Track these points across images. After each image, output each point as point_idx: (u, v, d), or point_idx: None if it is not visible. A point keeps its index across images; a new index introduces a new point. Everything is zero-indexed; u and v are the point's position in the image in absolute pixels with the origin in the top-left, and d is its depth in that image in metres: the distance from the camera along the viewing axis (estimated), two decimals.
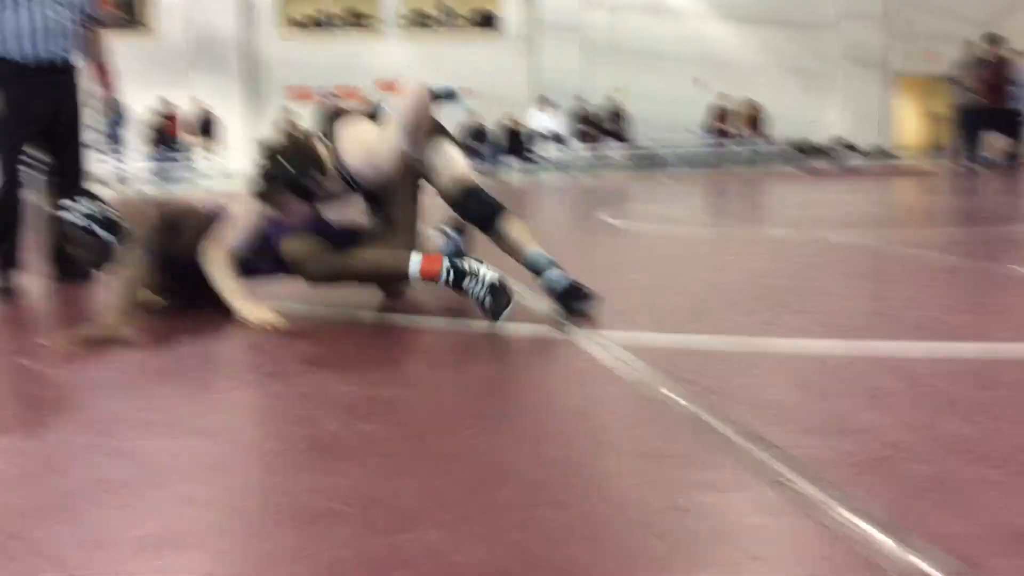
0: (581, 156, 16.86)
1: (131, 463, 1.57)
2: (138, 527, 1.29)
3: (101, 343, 2.46)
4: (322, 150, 2.92)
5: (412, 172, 3.00)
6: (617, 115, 17.12)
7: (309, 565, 1.16)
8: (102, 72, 3.99)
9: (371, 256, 2.81)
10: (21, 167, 3.65)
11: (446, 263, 2.66)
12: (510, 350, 2.47)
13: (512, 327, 2.66)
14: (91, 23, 3.85)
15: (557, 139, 16.70)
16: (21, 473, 1.53)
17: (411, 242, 2.95)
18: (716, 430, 1.67)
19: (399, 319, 2.83)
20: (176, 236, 2.90)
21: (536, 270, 2.85)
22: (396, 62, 18.51)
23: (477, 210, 2.98)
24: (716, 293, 3.25)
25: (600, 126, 17.08)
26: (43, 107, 3.65)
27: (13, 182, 3.65)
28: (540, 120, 16.53)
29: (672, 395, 1.90)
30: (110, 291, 2.73)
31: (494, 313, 2.60)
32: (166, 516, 1.33)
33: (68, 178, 3.76)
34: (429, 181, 3.05)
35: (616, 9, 18.90)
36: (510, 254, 2.95)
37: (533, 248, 2.90)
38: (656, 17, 19.20)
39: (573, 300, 2.74)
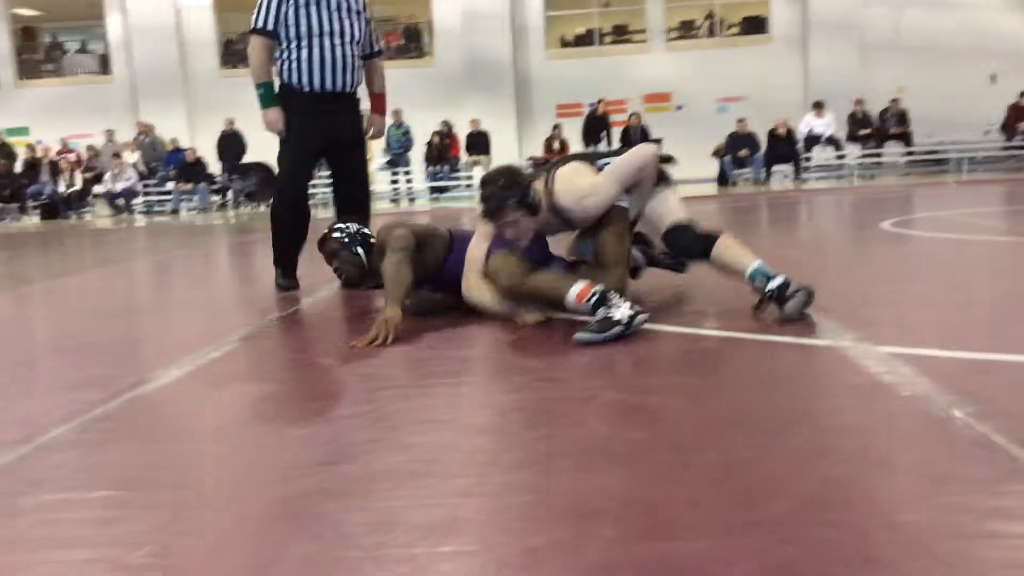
0: (859, 161, 15.91)
1: (414, 456, 1.69)
2: (422, 515, 1.40)
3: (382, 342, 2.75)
4: (538, 185, 3.13)
5: (622, 218, 3.22)
6: (899, 116, 15.98)
7: (579, 563, 1.20)
8: (381, 100, 4.46)
9: (544, 281, 2.97)
10: (308, 184, 4.24)
11: (598, 288, 2.78)
12: (784, 363, 2.39)
13: (785, 339, 2.58)
14: (373, 56, 4.34)
15: (832, 143, 15.87)
16: (320, 461, 1.70)
17: (620, 283, 3.11)
18: (1010, 454, 1.53)
19: (663, 327, 2.83)
20: (424, 253, 3.21)
21: (755, 284, 2.94)
22: (663, 74, 18.49)
23: (688, 245, 3.13)
24: (1013, 307, 2.96)
25: (880, 128, 16.02)
26: (328, 131, 4.12)
27: (302, 196, 4.25)
28: (814, 124, 15.80)
29: (961, 415, 1.76)
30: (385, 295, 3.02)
31: (600, 330, 2.66)
32: (447, 506, 1.43)
33: (354, 196, 4.28)
34: (643, 223, 3.30)
35: (896, 5, 17.69)
36: (732, 277, 3.06)
37: (751, 265, 2.97)
38: (942, 10, 17.77)
39: (787, 299, 2.82)
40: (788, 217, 7.88)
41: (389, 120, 16.69)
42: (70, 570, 1.27)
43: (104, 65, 20.20)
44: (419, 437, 1.82)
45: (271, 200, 4.33)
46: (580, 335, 2.65)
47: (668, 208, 3.20)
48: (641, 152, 3.20)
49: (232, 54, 20.03)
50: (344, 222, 3.42)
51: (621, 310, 2.70)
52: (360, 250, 3.30)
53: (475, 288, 3.12)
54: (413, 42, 19.82)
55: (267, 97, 4.09)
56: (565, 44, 19.53)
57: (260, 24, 4.03)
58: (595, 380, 2.24)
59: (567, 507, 1.40)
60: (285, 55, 4.07)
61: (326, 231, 3.38)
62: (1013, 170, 15.14)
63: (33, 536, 1.40)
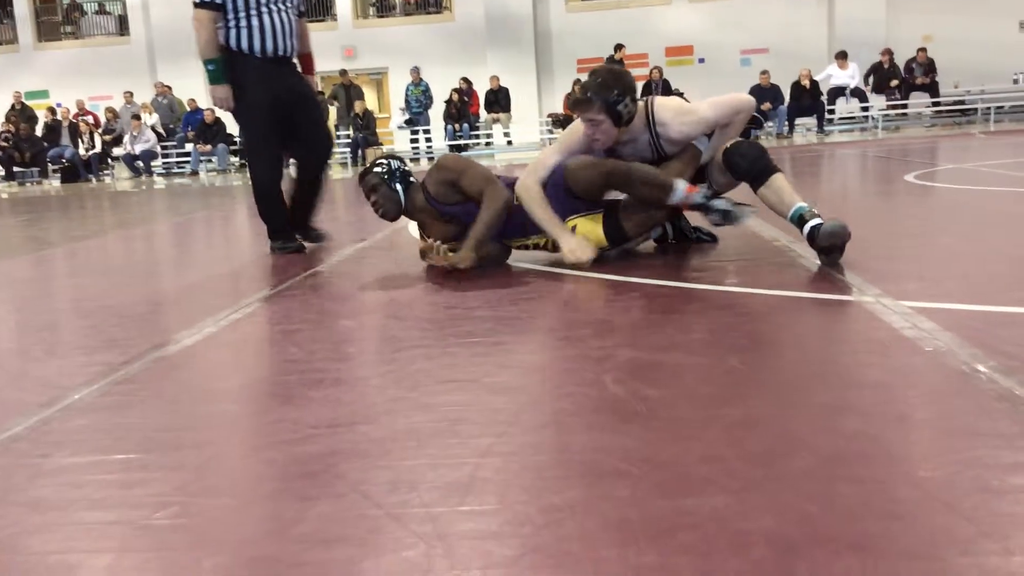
0: (884, 112, 15.66)
1: (436, 416, 1.70)
2: (443, 474, 1.40)
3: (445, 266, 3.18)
4: (641, 104, 3.22)
5: (694, 155, 3.31)
6: (927, 66, 15.67)
7: (597, 521, 1.21)
8: (311, 60, 4.61)
9: (645, 168, 3.13)
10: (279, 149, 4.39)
11: (705, 188, 3.10)
12: (802, 317, 2.37)
13: (807, 294, 2.57)
14: (300, 16, 4.47)
15: (857, 95, 15.62)
16: (342, 421, 1.71)
17: (662, 219, 3.36)
18: None
19: (683, 284, 2.82)
20: (456, 189, 3.34)
21: (798, 223, 3.00)
22: (685, 27, 18.22)
23: (749, 161, 3.13)
24: None
25: (907, 79, 15.73)
26: (285, 93, 4.26)
27: (279, 161, 4.43)
28: (837, 75, 15.54)
29: (984, 369, 1.74)
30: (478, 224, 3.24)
31: (726, 215, 3.05)
32: (468, 466, 1.43)
33: (315, 155, 4.45)
34: (710, 172, 3.36)
35: None
36: (774, 209, 3.12)
37: (797, 203, 3.04)
38: None
39: (825, 241, 2.87)
40: (811, 171, 7.78)
41: (408, 78, 16.67)
42: (94, 531, 1.29)
43: (122, 26, 20.16)
44: (440, 397, 1.82)
45: (253, 178, 4.42)
46: (719, 202, 3.04)
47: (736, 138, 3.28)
48: (742, 98, 3.27)
49: None
50: (386, 158, 3.53)
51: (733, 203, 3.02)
52: (399, 187, 3.37)
53: (531, 189, 3.23)
54: None
55: (218, 74, 4.17)
56: None
57: None
58: (612, 339, 2.23)
59: (585, 465, 1.40)
60: (233, 23, 4.15)
61: (367, 166, 3.48)
62: None
63: (57, 498, 1.42)
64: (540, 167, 3.28)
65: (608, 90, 3.08)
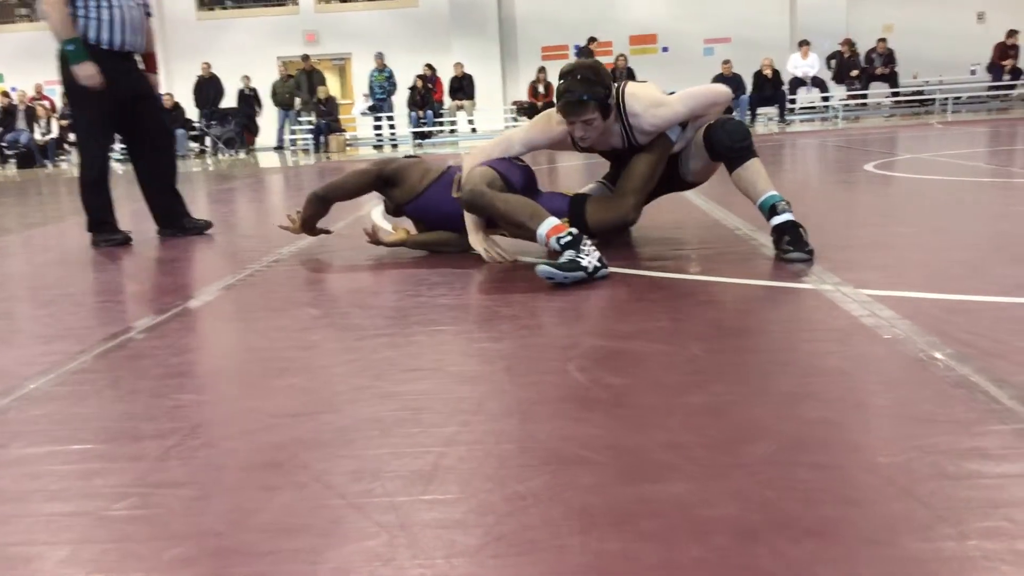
0: (844, 102, 15.84)
1: (399, 404, 1.69)
2: (407, 463, 1.40)
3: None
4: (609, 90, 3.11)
5: (664, 148, 3.20)
6: (886, 56, 15.88)
7: (560, 508, 1.21)
8: (154, 59, 4.67)
9: (520, 203, 2.94)
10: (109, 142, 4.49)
11: (572, 230, 2.79)
12: (763, 306, 2.40)
13: (768, 283, 2.59)
14: (148, 16, 4.52)
15: (817, 85, 15.78)
16: (305, 411, 1.70)
17: (632, 212, 3.18)
18: (990, 394, 1.54)
19: (646, 272, 2.83)
20: (395, 186, 3.42)
21: (768, 212, 3.01)
22: (648, 15, 18.27)
23: (734, 139, 3.09)
24: (997, 248, 2.96)
25: (867, 69, 15.93)
26: (127, 88, 4.34)
27: (107, 155, 4.51)
28: (799, 65, 15.68)
29: (942, 356, 1.77)
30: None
31: (564, 269, 2.66)
32: (431, 455, 1.43)
33: (158, 151, 4.58)
34: (682, 162, 3.33)
35: None
36: (745, 192, 3.11)
37: (770, 191, 3.03)
38: None
39: (786, 239, 2.88)
40: (772, 160, 7.86)
41: (371, 64, 16.55)
42: (52, 523, 1.27)
43: None
44: (404, 386, 1.82)
45: (81, 167, 4.47)
46: (544, 268, 2.67)
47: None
48: (717, 90, 3.21)
49: None
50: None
51: (589, 258, 2.71)
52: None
53: (473, 176, 3.11)
54: None
55: (79, 52, 4.20)
56: None
57: None
58: (576, 327, 2.24)
59: (549, 453, 1.41)
60: (82, 13, 4.20)
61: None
62: (998, 110, 15.13)
63: (14, 489, 1.40)
64: (495, 150, 3.24)
65: (597, 86, 3.00)
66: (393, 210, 3.53)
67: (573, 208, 3.17)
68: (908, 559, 1.03)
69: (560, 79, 3.06)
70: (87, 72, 4.17)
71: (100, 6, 4.20)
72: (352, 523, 1.21)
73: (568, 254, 2.72)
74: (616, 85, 3.15)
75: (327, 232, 3.79)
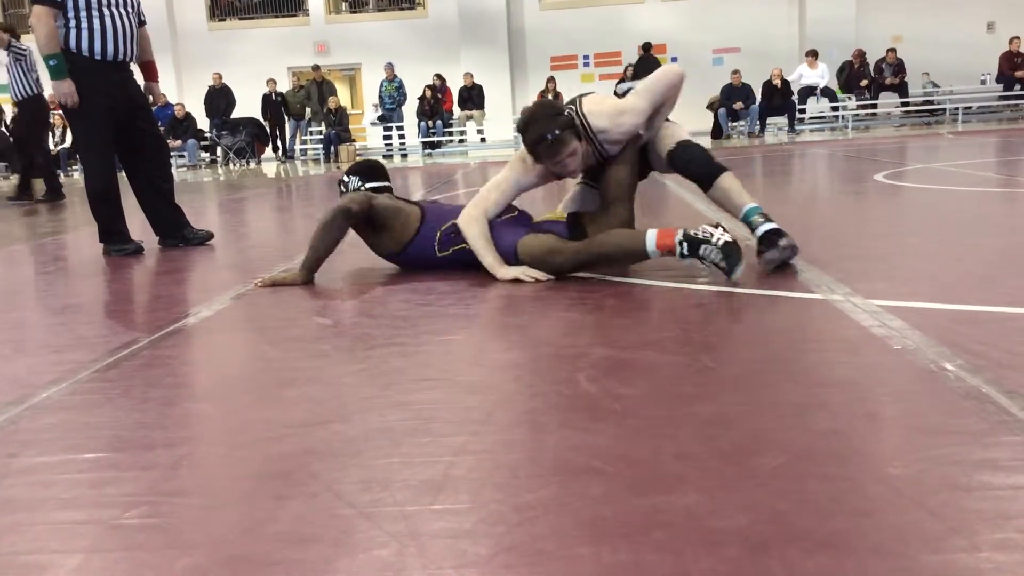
0: (854, 112, 15.82)
1: (410, 414, 1.70)
2: (417, 473, 1.40)
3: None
4: (573, 117, 3.07)
5: (637, 147, 3.17)
6: (896, 66, 15.86)
7: (571, 519, 1.21)
8: (154, 67, 4.71)
9: (612, 239, 2.93)
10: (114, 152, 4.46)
11: (679, 235, 2.78)
12: (773, 316, 2.39)
13: (777, 293, 2.59)
14: (142, 24, 4.54)
15: (827, 95, 15.76)
16: (315, 420, 1.70)
17: (629, 216, 3.13)
18: (1000, 405, 1.54)
19: (654, 282, 2.83)
20: (379, 233, 3.28)
21: (750, 224, 3.02)
22: (658, 25, 18.28)
23: (697, 164, 3.09)
24: (1008, 259, 2.96)
25: (876, 79, 15.91)
26: (122, 98, 4.35)
27: (113, 165, 4.49)
28: (808, 75, 15.67)
29: (952, 367, 1.76)
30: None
31: (728, 271, 2.74)
32: (441, 464, 1.43)
33: (154, 163, 4.56)
34: (651, 151, 3.23)
35: None
36: (726, 209, 3.11)
37: (748, 203, 3.03)
38: None
39: (769, 247, 2.90)
40: (782, 170, 7.85)
41: (381, 74, 16.61)
42: (64, 531, 1.27)
43: None
44: (414, 395, 1.82)
45: (87, 179, 4.50)
46: (729, 276, 2.73)
47: (677, 132, 3.19)
48: (671, 70, 3.16)
49: (220, 7, 19.74)
50: (349, 173, 3.50)
51: (721, 237, 2.74)
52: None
53: (474, 221, 3.08)
54: None
55: (60, 69, 4.20)
56: None
57: None
58: (586, 337, 2.24)
59: (559, 464, 1.41)
60: (73, 23, 4.20)
61: (342, 177, 3.50)
62: (1008, 120, 15.08)
63: (26, 498, 1.40)
64: (490, 203, 3.12)
65: (559, 118, 2.96)
66: (380, 254, 3.40)
67: (572, 229, 3.11)
68: (919, 571, 1.03)
69: (523, 132, 3.02)
70: (65, 89, 4.18)
71: (91, 16, 4.19)
72: (362, 532, 1.21)
73: (711, 255, 2.74)
74: (570, 109, 3.11)
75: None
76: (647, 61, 15.14)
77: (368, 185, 3.39)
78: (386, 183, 3.46)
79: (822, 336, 2.13)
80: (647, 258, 2.87)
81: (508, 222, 3.12)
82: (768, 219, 2.99)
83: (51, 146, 16.42)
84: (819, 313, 2.35)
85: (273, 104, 16.77)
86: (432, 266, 3.27)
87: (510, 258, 3.05)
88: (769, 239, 2.94)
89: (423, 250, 3.23)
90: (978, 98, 16.33)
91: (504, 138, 16.74)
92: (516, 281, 2.96)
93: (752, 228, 3.01)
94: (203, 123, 16.95)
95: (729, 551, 1.10)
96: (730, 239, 2.73)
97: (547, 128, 2.94)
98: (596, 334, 2.27)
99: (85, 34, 4.20)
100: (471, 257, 3.11)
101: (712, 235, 2.74)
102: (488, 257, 3.06)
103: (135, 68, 4.54)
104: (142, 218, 4.70)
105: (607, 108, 3.08)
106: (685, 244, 2.77)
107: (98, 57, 4.25)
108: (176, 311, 2.88)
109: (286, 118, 16.92)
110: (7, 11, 19.90)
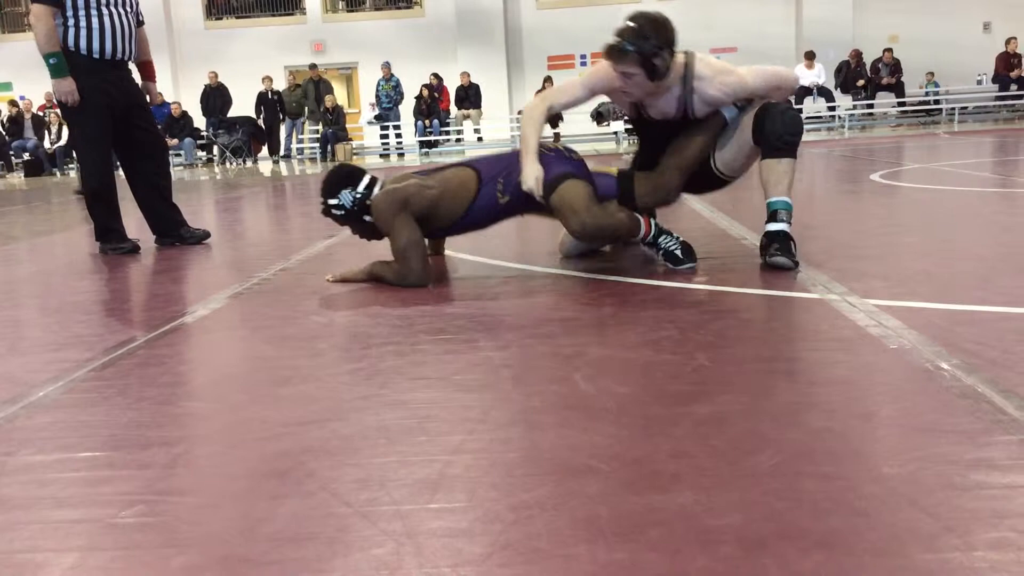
0: (850, 111, 15.84)
1: (406, 413, 1.70)
2: (413, 472, 1.40)
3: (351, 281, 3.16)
4: (679, 56, 3.01)
5: (716, 125, 3.12)
6: (892, 66, 15.88)
7: (566, 518, 1.21)
8: (151, 67, 4.71)
9: (625, 215, 3.05)
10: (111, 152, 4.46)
11: (654, 223, 3.08)
12: (769, 316, 2.40)
13: (774, 293, 2.59)
14: (140, 24, 4.53)
15: (824, 95, 15.78)
16: (311, 419, 1.70)
17: (678, 186, 3.18)
18: (996, 405, 1.54)
19: (652, 281, 2.83)
20: (428, 221, 3.11)
21: (770, 217, 2.99)
22: None
23: (787, 129, 2.98)
24: (1004, 258, 2.96)
25: (873, 79, 15.93)
26: (120, 97, 4.35)
27: (110, 164, 4.48)
28: (805, 75, 15.69)
29: (948, 367, 1.77)
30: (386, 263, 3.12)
31: (677, 262, 3.03)
32: (438, 463, 1.43)
33: (152, 161, 4.55)
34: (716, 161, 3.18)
35: None
36: (764, 184, 3.02)
37: (778, 196, 2.98)
38: None
39: (775, 246, 2.92)
40: None
41: (378, 73, 16.60)
42: (60, 530, 1.27)
43: None
44: (410, 394, 1.82)
45: (83, 177, 4.51)
46: (675, 265, 3.03)
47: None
48: (785, 73, 3.11)
49: (217, 6, 19.70)
50: (332, 194, 3.17)
51: (664, 249, 3.05)
52: (368, 217, 3.13)
53: (535, 111, 3.07)
54: None
55: (60, 67, 4.21)
56: None
57: None
58: (582, 336, 2.24)
59: (555, 462, 1.41)
60: (72, 22, 4.20)
61: (323, 205, 3.20)
62: (1004, 120, 15.10)
63: (22, 496, 1.40)
64: (559, 95, 3.09)
65: (646, 40, 2.84)
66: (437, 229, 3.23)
67: (621, 184, 3.14)
68: (915, 570, 1.03)
69: (625, 21, 2.94)
70: (66, 88, 4.19)
71: (90, 15, 4.20)
72: (359, 531, 1.21)
73: (668, 245, 3.05)
74: (685, 52, 3.03)
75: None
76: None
77: (361, 187, 3.23)
78: (371, 176, 3.25)
79: (818, 335, 2.13)
80: (635, 237, 3.08)
81: (560, 157, 3.08)
82: (781, 220, 2.95)
83: (46, 144, 16.43)
84: (815, 312, 2.35)
85: (269, 102, 16.69)
86: (491, 221, 3.19)
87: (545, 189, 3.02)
88: (783, 247, 2.91)
89: (484, 206, 3.11)
90: (974, 98, 16.35)
91: (501, 137, 16.73)
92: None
93: (768, 220, 2.98)
94: (200, 122, 16.93)
95: (725, 550, 1.10)
96: (685, 243, 3.07)
97: (627, 37, 2.87)
98: (593, 333, 2.27)
99: (84, 33, 4.20)
100: (532, 202, 3.07)
101: (672, 232, 3.08)
102: (531, 143, 3.03)
103: (133, 67, 4.54)
104: (139, 216, 4.70)
105: (717, 63, 3.04)
106: (655, 229, 3.06)
107: (96, 56, 4.25)
108: (172, 310, 2.88)
109: (282, 117, 16.84)
110: (3, 10, 19.86)
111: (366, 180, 3.16)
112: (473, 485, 1.34)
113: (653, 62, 2.86)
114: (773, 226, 2.95)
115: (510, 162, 3.11)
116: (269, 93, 16.66)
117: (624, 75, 2.92)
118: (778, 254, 2.88)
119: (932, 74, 16.62)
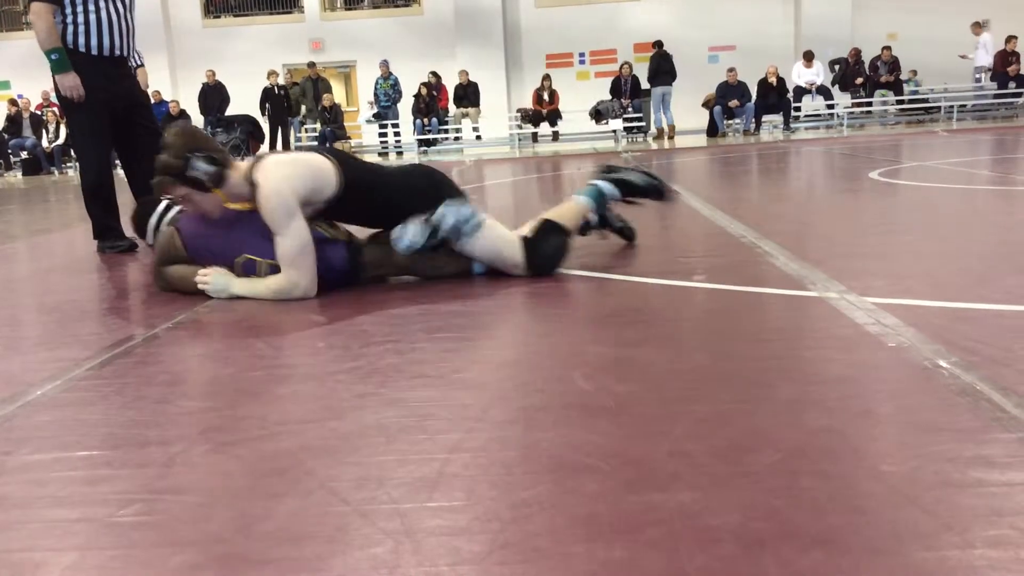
0: (849, 109, 15.84)
1: (405, 412, 1.69)
2: (412, 470, 1.40)
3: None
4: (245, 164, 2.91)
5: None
6: (891, 64, 15.88)
7: (566, 516, 1.21)
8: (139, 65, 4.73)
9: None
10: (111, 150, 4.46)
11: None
12: (768, 314, 2.40)
13: (772, 291, 2.59)
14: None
15: (822, 92, 15.78)
16: (310, 417, 1.70)
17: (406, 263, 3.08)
18: (994, 402, 1.54)
19: (649, 280, 2.83)
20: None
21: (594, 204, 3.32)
22: (653, 23, 18.28)
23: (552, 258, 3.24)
24: (1002, 256, 2.96)
25: (872, 76, 15.93)
26: (120, 93, 4.37)
27: (108, 163, 4.50)
28: (804, 74, 15.70)
29: (946, 365, 1.77)
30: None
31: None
32: (436, 462, 1.43)
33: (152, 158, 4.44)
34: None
35: None
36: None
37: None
38: None
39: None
40: (778, 168, 7.85)
41: (376, 71, 16.57)
42: (58, 529, 1.27)
43: None
44: (408, 393, 1.82)
45: (82, 174, 4.50)
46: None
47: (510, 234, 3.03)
48: (290, 280, 2.86)
49: (215, 4, 19.68)
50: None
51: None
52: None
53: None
54: None
55: (62, 62, 4.22)
56: None
57: None
58: (581, 334, 2.24)
59: (554, 461, 1.41)
60: (71, 18, 4.22)
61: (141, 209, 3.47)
62: (1002, 118, 15.10)
63: (21, 495, 1.40)
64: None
65: (178, 162, 2.79)
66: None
67: (349, 250, 3.04)
68: (914, 568, 1.03)
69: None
70: (69, 83, 4.20)
71: (87, 11, 4.21)
72: (357, 530, 1.21)
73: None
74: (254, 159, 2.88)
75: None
76: (660, 59, 15.11)
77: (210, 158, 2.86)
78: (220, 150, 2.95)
79: (817, 334, 2.13)
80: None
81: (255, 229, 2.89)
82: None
83: (44, 143, 16.41)
84: (814, 311, 2.35)
85: (276, 98, 16.50)
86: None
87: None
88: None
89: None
90: (972, 96, 16.35)
91: (500, 135, 16.73)
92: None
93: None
94: (198, 120, 16.91)
95: (724, 548, 1.10)
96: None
97: (161, 168, 2.84)
98: (591, 331, 2.27)
99: (81, 29, 4.21)
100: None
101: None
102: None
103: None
104: None
105: (273, 178, 2.78)
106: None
107: (94, 52, 4.26)
108: (170, 308, 2.88)
109: (290, 111, 16.66)
110: (0, 8, 19.83)
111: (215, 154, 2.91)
112: (472, 483, 1.34)
113: (190, 176, 2.78)
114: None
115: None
116: (276, 88, 16.53)
117: (183, 200, 2.87)
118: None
119: (915, 72, 16.66)
